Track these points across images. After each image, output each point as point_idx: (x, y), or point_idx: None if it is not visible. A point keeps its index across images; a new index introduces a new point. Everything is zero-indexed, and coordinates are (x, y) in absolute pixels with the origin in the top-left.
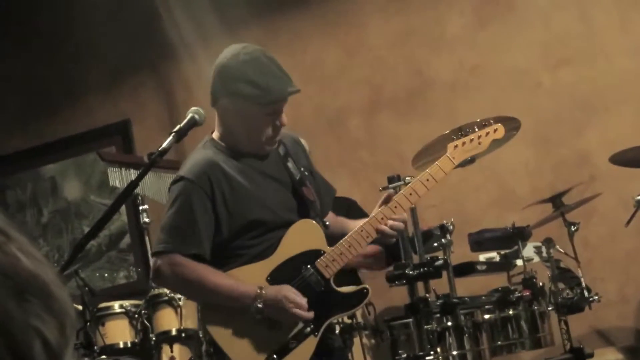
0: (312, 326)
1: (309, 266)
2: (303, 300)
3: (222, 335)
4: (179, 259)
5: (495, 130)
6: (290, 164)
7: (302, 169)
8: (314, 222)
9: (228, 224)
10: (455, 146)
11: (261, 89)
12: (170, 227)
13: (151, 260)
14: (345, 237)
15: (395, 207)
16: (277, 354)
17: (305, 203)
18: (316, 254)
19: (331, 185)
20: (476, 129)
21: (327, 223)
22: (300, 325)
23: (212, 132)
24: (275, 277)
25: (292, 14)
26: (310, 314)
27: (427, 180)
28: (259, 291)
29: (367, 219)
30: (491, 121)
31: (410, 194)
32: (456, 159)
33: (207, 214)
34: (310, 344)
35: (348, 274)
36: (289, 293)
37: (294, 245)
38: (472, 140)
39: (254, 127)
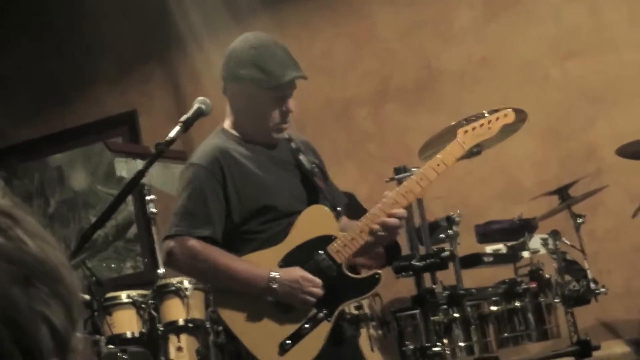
0: (325, 311)
1: (320, 251)
2: (318, 280)
3: (235, 321)
4: (192, 242)
5: (505, 115)
6: (301, 157)
7: (313, 165)
8: (325, 207)
9: (239, 210)
10: (466, 131)
11: (265, 72)
12: (182, 212)
13: (163, 244)
14: (357, 222)
15: (407, 192)
16: (291, 338)
17: (316, 191)
18: (328, 239)
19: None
20: (486, 115)
21: (339, 209)
22: (314, 310)
23: (223, 123)
24: (287, 263)
25: (301, 5)
26: (322, 292)
27: (438, 165)
28: (272, 274)
29: (377, 204)
30: (501, 106)
31: (421, 179)
32: (467, 143)
33: (218, 199)
34: (323, 329)
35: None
36: (304, 273)
37: (306, 230)
38: (482, 125)
39: (260, 112)
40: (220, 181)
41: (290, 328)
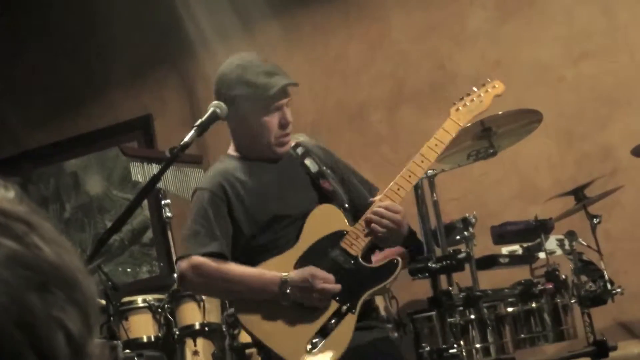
0: (348, 304)
1: (334, 247)
2: (330, 275)
3: (258, 326)
4: (199, 260)
5: (494, 87)
6: (307, 161)
7: (324, 167)
8: (331, 205)
9: (248, 223)
10: (458, 109)
11: (256, 86)
12: (188, 234)
13: (176, 268)
14: (366, 213)
15: (410, 176)
16: (318, 335)
17: (324, 194)
18: (340, 234)
19: (374, 185)
20: (475, 90)
21: (347, 206)
22: (337, 304)
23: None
24: (303, 264)
25: (314, 8)
26: (338, 286)
27: (436, 145)
28: (283, 278)
29: (383, 192)
30: (488, 80)
31: (422, 161)
32: (461, 120)
33: (222, 217)
34: (350, 322)
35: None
36: (315, 271)
37: (316, 230)
38: (472, 100)
39: (260, 128)
40: (224, 200)
41: (316, 325)
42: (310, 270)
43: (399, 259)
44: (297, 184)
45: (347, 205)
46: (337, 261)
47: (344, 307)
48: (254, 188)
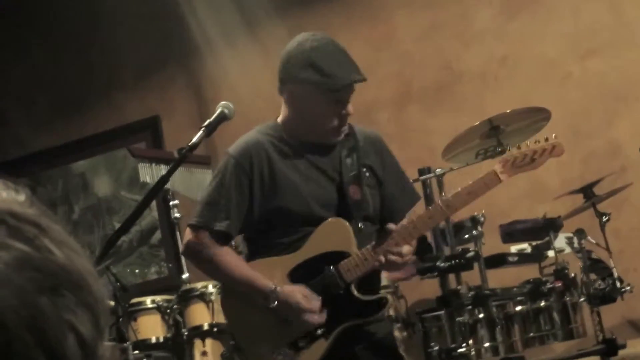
0: (323, 330)
1: (331, 267)
2: (316, 305)
3: (237, 324)
4: (206, 241)
5: (552, 148)
6: (349, 160)
7: (364, 168)
8: (345, 222)
9: (260, 206)
10: (506, 161)
11: (326, 75)
12: (206, 200)
13: (186, 230)
14: (372, 242)
15: (430, 217)
16: (290, 349)
17: (346, 202)
18: (341, 255)
19: (416, 192)
20: (538, 142)
21: (361, 225)
22: (312, 326)
23: (276, 118)
24: (296, 275)
25: (317, 10)
26: (321, 319)
27: (469, 193)
28: (272, 291)
29: (397, 227)
30: (554, 135)
31: (448, 207)
32: (504, 174)
33: (241, 191)
34: (319, 347)
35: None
36: (302, 300)
37: (321, 244)
38: (525, 156)
39: (319, 115)
40: (248, 174)
41: (287, 339)
42: (298, 298)
43: (389, 298)
44: (324, 184)
45: (371, 213)
46: (327, 283)
47: (319, 331)
48: (278, 174)
